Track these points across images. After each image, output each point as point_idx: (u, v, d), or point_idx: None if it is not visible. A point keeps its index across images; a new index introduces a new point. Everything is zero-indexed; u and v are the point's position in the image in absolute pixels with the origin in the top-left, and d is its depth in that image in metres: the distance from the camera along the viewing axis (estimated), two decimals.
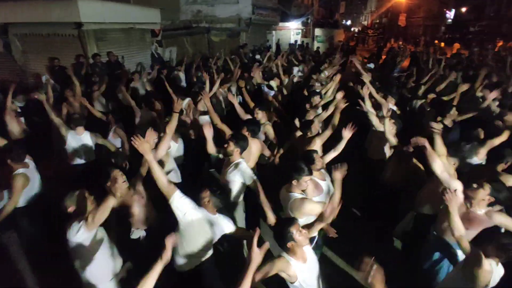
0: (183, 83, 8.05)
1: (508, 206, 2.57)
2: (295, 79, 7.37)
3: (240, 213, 3.23)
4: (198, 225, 2.37)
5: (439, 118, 4.49)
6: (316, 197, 2.97)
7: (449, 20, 33.22)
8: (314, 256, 2.23)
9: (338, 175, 2.45)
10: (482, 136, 3.97)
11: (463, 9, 33.41)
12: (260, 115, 4.16)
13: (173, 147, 4.10)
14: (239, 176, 3.01)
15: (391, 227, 3.62)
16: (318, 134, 3.75)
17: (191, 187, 3.76)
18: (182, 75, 8.24)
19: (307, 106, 4.97)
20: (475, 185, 2.42)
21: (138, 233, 2.91)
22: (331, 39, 18.77)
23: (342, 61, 10.80)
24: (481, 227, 2.41)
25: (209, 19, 13.28)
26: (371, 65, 8.88)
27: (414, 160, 3.51)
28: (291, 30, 19.13)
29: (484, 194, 2.37)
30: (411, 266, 3.13)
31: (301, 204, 2.54)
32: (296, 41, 17.42)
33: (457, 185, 2.49)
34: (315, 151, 3.18)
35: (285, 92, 6.42)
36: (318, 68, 8.86)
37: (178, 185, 3.41)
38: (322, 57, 11.68)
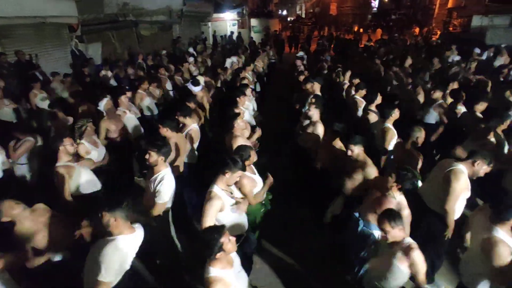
0: (112, 82, 7.50)
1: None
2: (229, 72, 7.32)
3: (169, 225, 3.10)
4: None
5: None
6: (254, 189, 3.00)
7: (374, 9, 35.89)
8: (238, 259, 2.23)
9: None
10: None
11: None
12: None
13: (94, 153, 3.79)
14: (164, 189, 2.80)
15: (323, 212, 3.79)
16: None
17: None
18: (110, 74, 7.68)
19: (238, 99, 4.94)
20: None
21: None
22: (267, 29, 18.99)
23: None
24: None
25: (137, 12, 12.43)
26: (301, 53, 9.18)
27: (340, 143, 3.70)
28: (227, 21, 18.91)
29: (391, 181, 2.55)
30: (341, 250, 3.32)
31: (208, 198, 2.49)
32: (232, 32, 17.30)
33: None
34: (251, 147, 3.17)
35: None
36: (252, 59, 8.92)
37: (96, 193, 3.21)
38: (257, 48, 11.74)
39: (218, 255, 1.91)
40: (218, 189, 2.54)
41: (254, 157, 2.99)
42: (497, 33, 10.94)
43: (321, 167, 3.70)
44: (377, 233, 2.69)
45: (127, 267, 2.13)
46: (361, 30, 22.68)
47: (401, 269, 2.15)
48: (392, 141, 3.97)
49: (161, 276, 2.86)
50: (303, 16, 34.91)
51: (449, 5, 18.16)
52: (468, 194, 2.88)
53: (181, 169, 3.59)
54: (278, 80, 10.49)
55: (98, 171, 3.60)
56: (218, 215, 2.54)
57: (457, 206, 2.86)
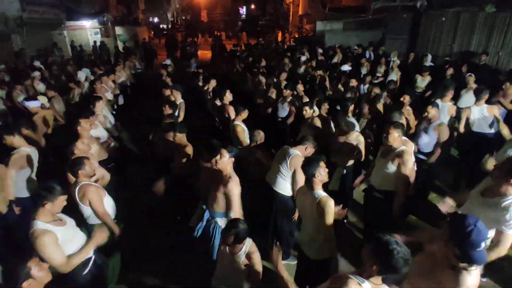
0: None
1: None
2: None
3: None
4: None
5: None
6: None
7: (243, 16, 38.55)
8: None
9: None
10: None
11: (252, 6, 39.44)
12: None
13: None
14: None
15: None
16: None
17: None
18: None
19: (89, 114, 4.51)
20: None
21: None
22: (134, 37, 18.01)
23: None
24: None
25: None
26: (168, 62, 9.07)
27: (187, 148, 3.78)
28: (88, 30, 17.07)
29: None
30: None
31: (35, 239, 2.15)
32: (95, 42, 15.74)
33: None
34: (86, 158, 2.91)
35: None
36: (113, 69, 8.30)
37: None
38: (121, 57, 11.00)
39: (25, 284, 1.68)
40: (40, 224, 2.21)
41: (91, 170, 2.79)
42: (333, 36, 13.27)
43: (179, 174, 3.73)
44: (220, 221, 2.92)
45: None
46: (222, 34, 24.03)
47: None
48: (245, 135, 4.33)
49: None
50: (179, 23, 34.66)
51: (300, 12, 21.06)
52: None
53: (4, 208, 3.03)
54: (146, 89, 9.97)
55: None
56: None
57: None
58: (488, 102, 4.86)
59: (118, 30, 17.90)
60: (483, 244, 1.69)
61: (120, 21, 19.20)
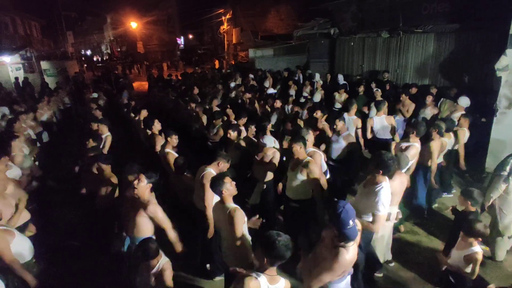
0: None
1: None
2: None
3: None
4: None
5: None
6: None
7: (181, 46, 39.02)
8: None
9: None
10: None
11: (190, 36, 40.22)
12: None
13: None
14: None
15: None
16: None
17: None
18: None
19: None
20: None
21: None
22: (64, 72, 17.15)
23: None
24: None
25: None
26: (95, 95, 8.89)
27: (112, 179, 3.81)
28: (8, 66, 15.89)
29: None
30: None
31: None
32: (16, 78, 14.68)
33: None
34: None
35: None
36: (34, 107, 7.87)
37: None
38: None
39: None
40: None
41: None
42: (264, 61, 14.28)
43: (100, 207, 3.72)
44: None
45: None
46: (164, 65, 24.24)
47: None
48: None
49: None
50: (117, 55, 33.84)
51: (234, 41, 22.22)
52: None
53: None
54: (75, 125, 9.48)
55: None
56: None
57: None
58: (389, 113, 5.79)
59: (44, 65, 16.92)
60: (351, 222, 2.08)
61: (46, 55, 18.21)
